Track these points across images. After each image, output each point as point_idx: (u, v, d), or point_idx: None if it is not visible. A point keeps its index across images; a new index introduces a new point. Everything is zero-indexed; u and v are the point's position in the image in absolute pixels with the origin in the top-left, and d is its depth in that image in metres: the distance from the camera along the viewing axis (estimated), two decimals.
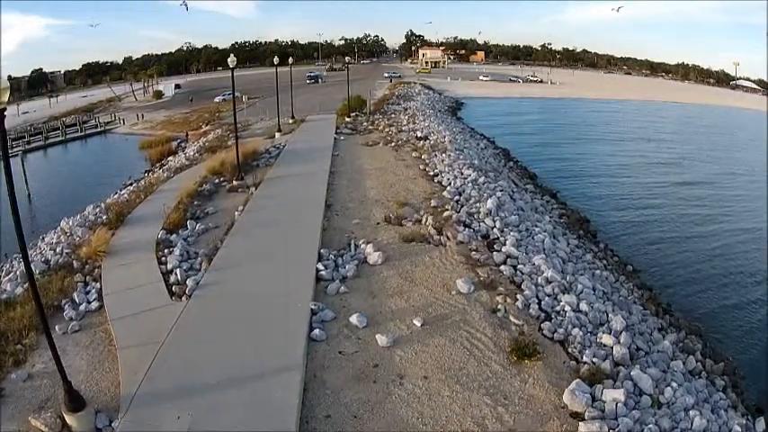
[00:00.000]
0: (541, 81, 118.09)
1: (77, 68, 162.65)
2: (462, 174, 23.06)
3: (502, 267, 13.98)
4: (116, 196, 24.76)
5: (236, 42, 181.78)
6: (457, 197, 19.71)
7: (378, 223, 16.48)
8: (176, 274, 13.26)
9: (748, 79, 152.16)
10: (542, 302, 12.52)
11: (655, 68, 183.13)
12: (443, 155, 26.53)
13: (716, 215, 27.66)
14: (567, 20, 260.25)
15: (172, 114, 63.11)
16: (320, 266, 13.15)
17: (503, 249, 15.19)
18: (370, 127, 37.00)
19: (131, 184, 29.85)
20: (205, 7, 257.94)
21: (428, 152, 27.11)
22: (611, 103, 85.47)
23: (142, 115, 63.94)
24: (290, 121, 40.20)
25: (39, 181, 36.74)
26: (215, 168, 23.10)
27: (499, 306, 11.81)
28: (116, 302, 11.95)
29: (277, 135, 33.37)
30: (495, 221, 17.29)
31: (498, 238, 16.25)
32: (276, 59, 35.03)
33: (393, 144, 29.49)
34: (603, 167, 37.47)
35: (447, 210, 17.93)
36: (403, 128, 35.93)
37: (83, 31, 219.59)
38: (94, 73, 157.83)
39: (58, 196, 32.56)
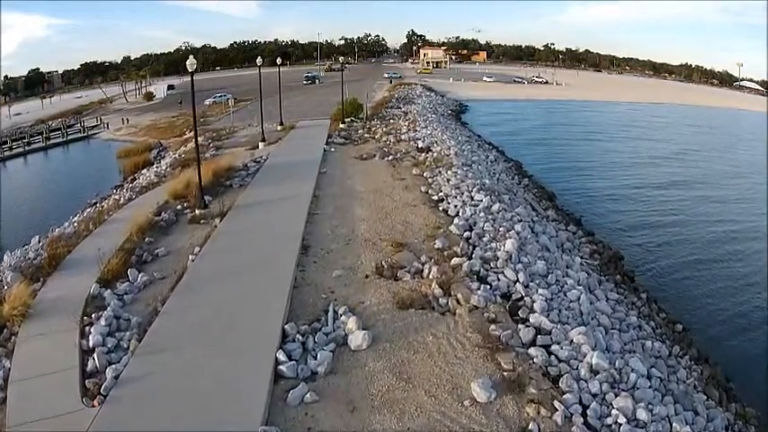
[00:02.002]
0: (546, 82, 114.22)
1: (76, 68, 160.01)
2: (472, 198, 19.32)
3: (531, 351, 10.29)
4: (66, 225, 21.14)
5: (235, 42, 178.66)
6: (467, 233, 15.96)
7: (366, 276, 12.74)
8: (95, 359, 9.81)
9: (751, 80, 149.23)
10: (588, 411, 8.91)
11: (657, 69, 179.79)
12: (449, 172, 22.77)
13: None
14: (568, 20, 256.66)
15: (158, 118, 59.45)
16: (282, 356, 9.42)
17: (531, 319, 11.53)
18: (365, 135, 33.28)
19: (95, 204, 26.30)
20: (206, 7, 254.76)
21: (431, 168, 23.37)
22: (622, 106, 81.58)
23: (127, 119, 60.29)
24: (278, 127, 36.52)
25: (8, 192, 33.33)
26: (178, 192, 19.42)
27: (530, 426, 8.11)
28: (20, 398, 8.98)
29: (260, 146, 29.68)
30: (517, 272, 13.57)
31: (523, 299, 12.54)
32: (259, 60, 31.25)
33: (391, 157, 25.75)
34: (632, 185, 33.56)
35: (455, 253, 14.20)
36: (402, 136, 32.20)
37: (83, 31, 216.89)
38: (92, 73, 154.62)
39: (17, 216, 28.92)
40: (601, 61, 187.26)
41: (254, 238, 14.90)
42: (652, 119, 70.25)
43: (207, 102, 66.99)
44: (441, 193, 19.58)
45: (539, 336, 11.04)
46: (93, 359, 9.85)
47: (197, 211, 17.28)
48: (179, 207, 18.64)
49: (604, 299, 15.08)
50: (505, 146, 39.19)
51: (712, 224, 26.17)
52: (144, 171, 31.91)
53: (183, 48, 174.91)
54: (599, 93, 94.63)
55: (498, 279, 13.37)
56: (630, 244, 22.74)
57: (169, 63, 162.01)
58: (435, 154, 26.69)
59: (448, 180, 21.39)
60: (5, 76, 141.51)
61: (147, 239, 15.91)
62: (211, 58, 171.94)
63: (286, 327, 10.32)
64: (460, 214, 17.45)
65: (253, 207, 17.67)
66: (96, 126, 62.33)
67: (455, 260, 13.71)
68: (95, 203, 26.66)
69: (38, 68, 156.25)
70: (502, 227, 16.89)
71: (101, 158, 45.28)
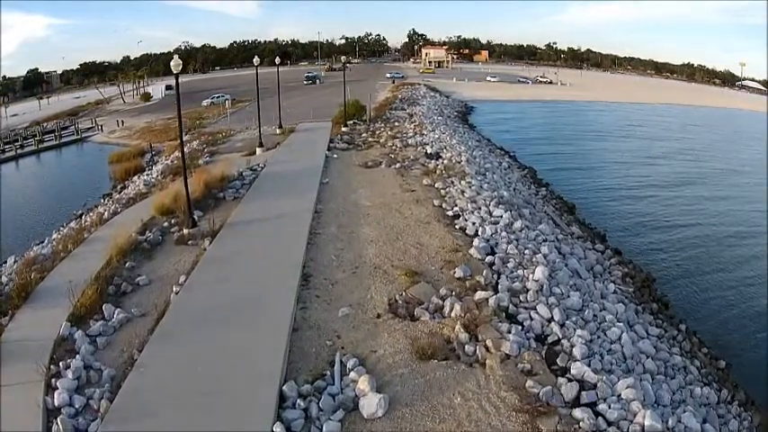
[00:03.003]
0: (551, 82, 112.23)
1: (75, 68, 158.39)
2: (491, 214, 17.45)
3: (577, 413, 8.49)
4: (45, 243, 19.33)
5: (235, 41, 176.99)
6: (489, 257, 14.12)
7: (378, 316, 10.87)
8: (59, 425, 8.13)
9: (753, 80, 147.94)
10: None
11: (659, 69, 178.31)
12: (462, 182, 20.91)
13: None
14: (568, 20, 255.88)
15: (154, 120, 57.54)
16: (279, 430, 7.56)
17: (572, 369, 9.78)
18: (370, 139, 31.41)
19: (81, 216, 24.47)
20: (207, 7, 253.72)
21: (442, 178, 21.51)
22: (631, 107, 79.62)
23: (122, 121, 58.38)
24: (277, 131, 34.60)
25: None
26: (165, 207, 17.51)
27: None
28: None
29: (258, 151, 27.79)
30: (550, 307, 11.78)
31: (560, 342, 10.73)
32: (256, 60, 29.35)
33: (398, 165, 23.86)
34: (647, 189, 31.70)
35: (479, 284, 12.35)
36: (409, 140, 30.32)
37: (83, 31, 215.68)
38: (91, 73, 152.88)
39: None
40: (602, 61, 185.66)
41: (247, 265, 13.01)
42: (666, 121, 68.26)
43: (204, 103, 65.18)
44: (456, 208, 17.70)
45: (583, 392, 9.23)
46: (57, 425, 8.10)
47: (185, 231, 15.39)
48: (166, 224, 16.76)
49: (645, 335, 13.36)
50: (516, 150, 37.25)
51: (744, 236, 24.31)
52: (135, 178, 30.04)
53: (183, 47, 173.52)
54: (606, 93, 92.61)
55: (531, 317, 11.58)
56: (657, 259, 20.99)
57: (168, 63, 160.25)
58: (446, 161, 24.81)
59: (462, 192, 19.52)
60: (3, 77, 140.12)
61: (127, 264, 14.07)
62: (211, 57, 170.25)
63: (284, 387, 8.45)
64: (480, 234, 15.59)
65: (247, 225, 15.77)
66: (91, 128, 60.51)
67: (479, 294, 11.85)
68: (81, 215, 24.87)
69: (36, 69, 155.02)
70: (527, 249, 15.06)
71: (93, 163, 43.35)
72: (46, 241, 19.72)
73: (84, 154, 51.31)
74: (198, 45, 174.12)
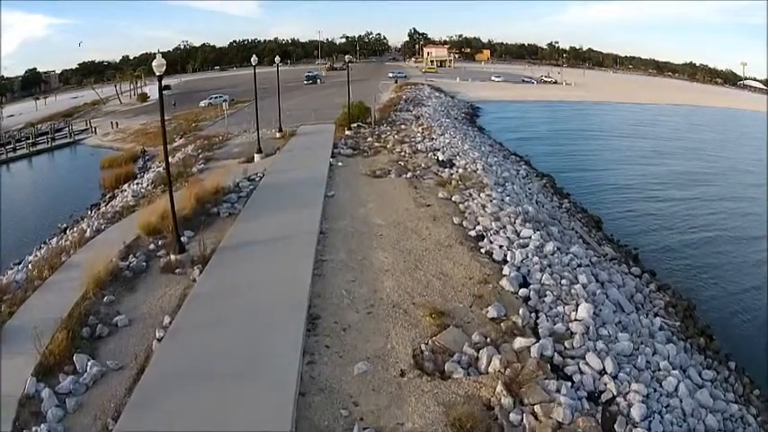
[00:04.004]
0: (555, 82, 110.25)
1: (74, 68, 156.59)
2: (518, 234, 15.51)
3: None
4: (21, 267, 17.42)
5: (235, 41, 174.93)
6: (523, 290, 12.21)
7: (402, 373, 8.93)
8: None
9: (755, 79, 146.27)
10: None
11: (661, 68, 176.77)
12: (482, 195, 18.97)
13: None
14: (568, 20, 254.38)
15: (149, 122, 55.54)
16: None
17: None
18: (376, 144, 29.41)
19: (65, 230, 22.57)
20: (208, 7, 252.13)
21: (459, 190, 19.56)
22: (639, 107, 77.64)
23: (116, 123, 56.38)
24: (277, 134, 32.67)
25: None
26: (152, 225, 15.57)
27: None
28: None
29: (256, 158, 25.81)
30: (600, 354, 10.03)
31: (615, 400, 8.94)
32: (254, 59, 27.41)
33: (409, 174, 21.91)
34: (667, 189, 29.81)
35: (516, 327, 10.44)
36: (418, 145, 28.36)
37: (84, 31, 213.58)
38: (90, 73, 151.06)
39: None
40: (604, 60, 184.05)
41: (242, 304, 11.04)
42: (674, 121, 66.32)
43: (202, 104, 63.12)
44: (478, 227, 15.75)
45: None
46: None
47: (172, 257, 13.43)
48: (152, 246, 14.82)
49: (700, 380, 11.63)
50: (530, 154, 35.18)
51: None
52: (125, 186, 28.08)
53: (182, 47, 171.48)
54: (612, 93, 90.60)
55: (580, 370, 9.77)
56: (691, 276, 19.21)
57: (168, 62, 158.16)
58: (461, 170, 22.85)
59: (483, 207, 17.57)
60: (1, 77, 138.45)
61: (106, 298, 12.14)
62: (210, 57, 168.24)
63: None
64: (509, 260, 13.67)
65: (242, 250, 13.79)
66: (85, 130, 58.50)
67: (519, 341, 9.94)
68: (66, 228, 22.96)
69: (35, 68, 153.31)
70: (563, 278, 13.17)
71: (84, 169, 41.21)
72: (22, 264, 17.82)
73: (76, 158, 49.33)
74: (197, 44, 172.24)
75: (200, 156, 28.87)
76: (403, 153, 26.41)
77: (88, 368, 9.57)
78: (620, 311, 13.03)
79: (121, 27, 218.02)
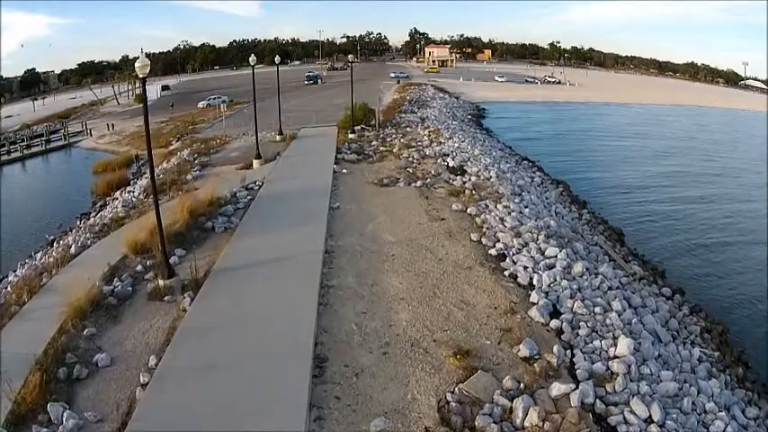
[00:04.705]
0: (559, 82, 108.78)
1: (73, 68, 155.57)
2: (543, 253, 14.07)
3: None
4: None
5: (235, 40, 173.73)
6: (555, 321, 10.80)
7: (426, 430, 7.51)
8: None
9: (756, 79, 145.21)
10: None
11: (662, 68, 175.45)
12: (499, 206, 17.53)
13: None
14: (568, 19, 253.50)
15: None
16: None
17: None
18: (381, 148, 27.95)
19: (53, 241, 21.16)
20: (209, 7, 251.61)
21: (474, 200, 18.11)
22: (643, 109, 76.14)
23: (112, 125, 54.90)
24: (277, 137, 31.22)
25: None
26: (140, 243, 14.14)
27: None
28: None
29: (255, 164, 24.38)
30: (645, 398, 8.74)
31: None
32: (252, 59, 25.97)
33: (419, 182, 20.47)
34: (683, 190, 28.37)
35: (552, 368, 9.04)
36: (426, 150, 26.92)
37: (85, 30, 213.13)
38: (89, 73, 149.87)
39: None
40: (605, 60, 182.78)
41: (238, 341, 9.61)
42: (685, 123, 64.74)
43: (200, 105, 61.68)
44: (499, 244, 14.30)
45: None
46: None
47: (160, 282, 11.99)
48: (139, 267, 13.40)
49: (744, 420, 10.38)
50: (541, 158, 33.62)
51: None
52: (117, 193, 26.64)
53: (182, 46, 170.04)
54: (618, 94, 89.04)
55: (625, 420, 8.50)
56: (716, 289, 17.90)
57: (167, 62, 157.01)
58: (474, 177, 21.41)
59: (502, 220, 16.12)
60: (0, 77, 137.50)
61: (86, 331, 10.74)
62: (210, 57, 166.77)
63: None
64: (536, 284, 12.25)
65: (238, 274, 12.33)
66: (80, 132, 57.05)
67: (557, 387, 8.55)
68: (53, 240, 21.54)
69: (34, 68, 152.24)
70: (596, 305, 11.78)
71: (77, 173, 39.75)
72: (3, 283, 16.40)
73: (70, 161, 47.88)
74: (197, 44, 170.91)
75: (196, 161, 27.41)
76: (411, 158, 24.97)
77: (64, 420, 8.19)
78: (657, 342, 11.65)
79: (121, 27, 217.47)
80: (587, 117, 64.03)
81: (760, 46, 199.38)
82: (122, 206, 20.94)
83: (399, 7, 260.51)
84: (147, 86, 12.20)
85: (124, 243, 14.44)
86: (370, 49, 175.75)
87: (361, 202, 17.91)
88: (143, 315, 11.26)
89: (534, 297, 11.68)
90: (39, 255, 19.59)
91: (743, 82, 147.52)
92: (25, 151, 50.98)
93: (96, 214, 23.31)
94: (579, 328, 10.86)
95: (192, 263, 12.55)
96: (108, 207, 23.40)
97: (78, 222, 23.64)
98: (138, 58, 10.87)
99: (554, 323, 10.82)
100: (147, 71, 10.68)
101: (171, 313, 11.07)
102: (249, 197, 18.71)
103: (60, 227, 24.34)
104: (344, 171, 22.69)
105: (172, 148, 35.43)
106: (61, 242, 19.60)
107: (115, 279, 12.88)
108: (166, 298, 11.71)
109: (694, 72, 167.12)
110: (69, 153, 51.38)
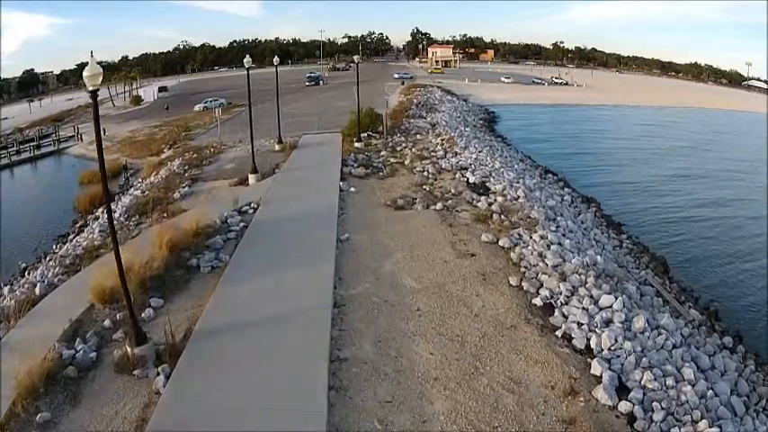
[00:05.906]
0: (566, 83, 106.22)
1: (72, 68, 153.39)
2: (596, 302, 11.57)
3: None
4: None
5: (235, 41, 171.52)
6: (625, 403, 8.46)
7: None
8: None
9: (759, 79, 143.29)
10: None
11: (665, 68, 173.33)
12: (535, 236, 15.03)
13: None
14: (569, 19, 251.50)
15: (139, 128, 51.71)
16: None
17: None
18: (391, 159, 25.39)
19: (25, 271, 18.69)
20: (210, 7, 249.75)
21: (505, 228, 15.61)
22: (658, 112, 73.45)
23: (104, 130, 52.33)
24: (276, 146, 28.79)
25: None
26: (107, 290, 11.64)
27: None
28: None
29: (251, 179, 21.88)
30: None
31: None
32: (247, 60, 23.45)
33: (438, 204, 17.87)
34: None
35: None
36: (441, 162, 24.41)
37: (85, 30, 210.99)
38: None
39: None
40: (608, 60, 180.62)
41: None
42: (704, 127, 61.93)
43: (196, 108, 59.05)
44: (543, 291, 11.80)
45: None
46: None
47: (128, 350, 9.49)
48: (106, 323, 10.94)
49: None
50: (565, 171, 30.89)
51: None
52: (98, 211, 24.13)
53: (182, 47, 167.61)
54: (628, 96, 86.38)
55: None
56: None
57: (167, 63, 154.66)
58: (499, 197, 18.87)
59: (541, 255, 13.61)
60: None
61: (39, 416, 8.34)
62: (210, 57, 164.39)
63: None
64: (595, 347, 9.79)
65: (224, 342, 9.76)
66: (72, 137, 54.56)
67: None
68: (26, 269, 19.07)
69: (32, 69, 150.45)
70: (666, 374, 9.35)
71: (63, 183, 37.14)
72: None
73: (59, 169, 45.36)
74: (197, 44, 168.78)
75: (187, 174, 24.91)
76: (425, 173, 22.46)
77: None
78: (735, 419, 9.19)
79: (121, 27, 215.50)
80: (603, 121, 61.12)
81: (760, 46, 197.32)
82: (99, 231, 18.43)
83: (400, 7, 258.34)
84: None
85: (91, 289, 11.95)
86: (372, 49, 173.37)
87: (373, 232, 15.37)
88: (108, 396, 8.79)
89: (596, 368, 9.23)
90: (6, 289, 17.05)
91: (746, 82, 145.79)
92: (14, 158, 48.61)
93: (74, 237, 20.83)
94: (653, 411, 8.44)
95: (168, 323, 10.03)
96: (86, 230, 20.88)
97: (54, 246, 21.17)
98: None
99: (623, 405, 8.41)
100: (99, 82, 8.21)
101: (140, 396, 8.60)
102: (242, 224, 16.18)
103: (36, 250, 21.88)
104: (352, 189, 20.16)
105: (164, 156, 32.94)
106: (29, 275, 17.09)
107: (77, 339, 10.41)
108: (136, 372, 9.22)
109: (698, 72, 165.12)
110: (59, 159, 48.89)
